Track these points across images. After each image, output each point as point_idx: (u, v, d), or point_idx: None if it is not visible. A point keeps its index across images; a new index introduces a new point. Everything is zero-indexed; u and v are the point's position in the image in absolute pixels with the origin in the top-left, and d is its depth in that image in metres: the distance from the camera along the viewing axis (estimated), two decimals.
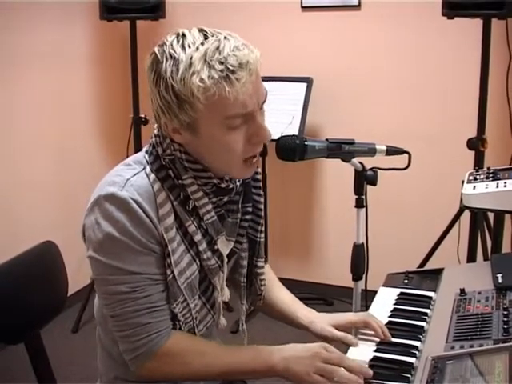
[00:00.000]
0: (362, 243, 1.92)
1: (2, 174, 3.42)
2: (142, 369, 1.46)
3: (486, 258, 2.87)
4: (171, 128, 1.40)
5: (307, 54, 3.75)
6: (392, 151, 1.82)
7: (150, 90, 1.40)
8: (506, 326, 1.45)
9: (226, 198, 1.50)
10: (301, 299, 1.76)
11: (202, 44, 1.33)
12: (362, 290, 1.94)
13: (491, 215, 2.85)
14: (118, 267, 1.40)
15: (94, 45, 3.97)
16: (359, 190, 1.88)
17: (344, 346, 1.57)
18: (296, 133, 3.34)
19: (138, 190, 1.40)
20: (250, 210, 1.58)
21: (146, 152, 1.48)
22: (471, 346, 1.40)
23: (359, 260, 1.92)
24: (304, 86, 3.61)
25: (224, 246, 1.54)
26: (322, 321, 1.66)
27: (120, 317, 1.43)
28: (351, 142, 1.78)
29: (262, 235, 1.64)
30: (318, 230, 4.02)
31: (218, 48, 1.33)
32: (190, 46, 1.34)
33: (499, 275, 1.70)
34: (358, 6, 3.60)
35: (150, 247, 1.41)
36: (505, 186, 1.95)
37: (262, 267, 1.67)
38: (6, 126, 3.46)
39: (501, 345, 1.36)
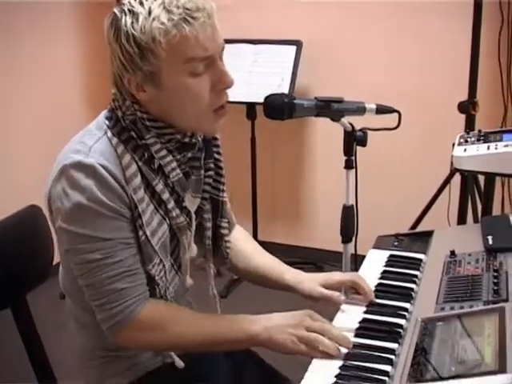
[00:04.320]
0: (352, 205, 1.91)
1: None
2: (119, 338, 1.44)
3: (476, 221, 2.86)
4: (135, 85, 1.39)
5: (296, 17, 3.69)
6: (382, 110, 1.80)
7: (110, 49, 1.39)
8: (496, 288, 1.44)
9: (189, 154, 1.49)
10: (290, 263, 1.73)
11: None
12: (352, 254, 1.92)
13: (482, 178, 2.84)
14: (90, 235, 1.38)
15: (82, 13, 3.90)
16: (349, 150, 1.85)
17: (332, 308, 1.57)
18: None
19: (103, 154, 1.39)
20: (211, 166, 1.57)
21: (106, 118, 1.46)
22: (461, 308, 1.39)
23: (349, 222, 1.90)
24: (293, 48, 3.58)
25: (191, 203, 1.54)
26: (310, 281, 1.65)
27: (95, 285, 1.41)
28: (340, 101, 1.76)
29: (225, 194, 1.64)
30: (307, 193, 4.01)
31: None
32: (147, 0, 1.35)
33: (489, 237, 1.70)
34: None
35: (120, 212, 1.39)
36: (496, 149, 1.94)
37: (227, 228, 1.66)
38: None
39: (491, 306, 1.35)
